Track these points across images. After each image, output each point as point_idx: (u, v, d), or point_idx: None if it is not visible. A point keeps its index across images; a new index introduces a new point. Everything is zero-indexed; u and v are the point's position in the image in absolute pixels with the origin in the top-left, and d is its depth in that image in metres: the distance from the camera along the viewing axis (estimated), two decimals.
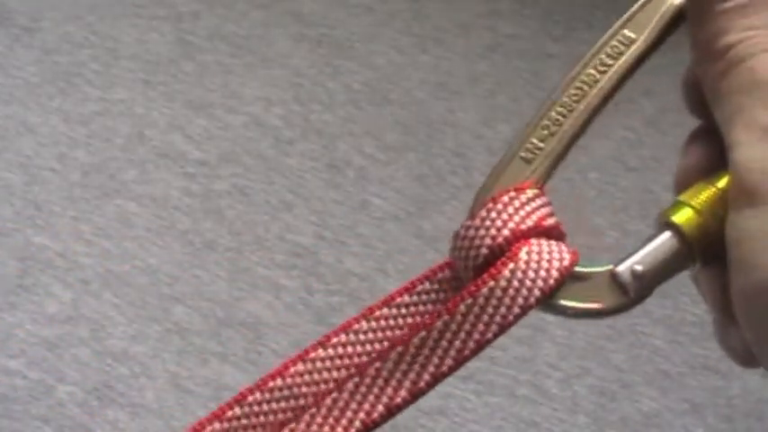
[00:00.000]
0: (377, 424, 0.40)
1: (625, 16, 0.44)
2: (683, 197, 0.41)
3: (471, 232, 0.41)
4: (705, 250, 0.41)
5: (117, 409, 1.34)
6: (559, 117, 0.44)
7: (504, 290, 0.40)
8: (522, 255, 0.40)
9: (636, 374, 1.41)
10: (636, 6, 0.44)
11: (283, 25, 1.82)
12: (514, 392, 1.39)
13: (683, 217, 0.41)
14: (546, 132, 0.44)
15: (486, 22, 1.89)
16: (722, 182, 0.41)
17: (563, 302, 0.41)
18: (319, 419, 0.41)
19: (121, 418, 1.34)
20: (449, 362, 0.40)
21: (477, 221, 0.41)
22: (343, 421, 0.40)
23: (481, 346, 0.40)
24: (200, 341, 1.41)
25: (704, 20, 0.41)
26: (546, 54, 1.84)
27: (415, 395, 0.40)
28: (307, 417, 0.41)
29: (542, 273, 0.40)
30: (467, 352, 0.40)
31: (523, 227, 0.41)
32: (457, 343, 0.40)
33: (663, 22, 0.44)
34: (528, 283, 0.40)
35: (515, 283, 0.40)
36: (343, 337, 0.42)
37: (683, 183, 0.42)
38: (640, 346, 1.42)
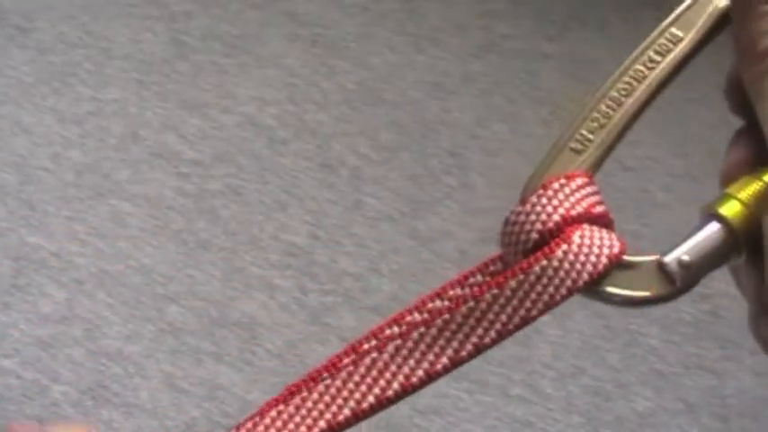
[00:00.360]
0: (415, 388, 0.40)
1: (674, 14, 0.45)
2: (729, 190, 0.42)
3: (522, 218, 0.42)
4: (750, 242, 0.42)
5: (111, 408, 1.34)
6: (609, 110, 0.45)
7: (556, 270, 0.40)
8: (576, 238, 0.41)
9: (630, 374, 1.41)
10: (684, 5, 0.46)
11: (277, 25, 1.82)
12: (509, 392, 1.39)
13: (730, 209, 0.42)
14: (596, 125, 0.45)
15: (481, 21, 1.89)
16: None
17: (610, 289, 0.42)
18: (357, 377, 0.41)
19: (116, 418, 1.33)
20: (492, 334, 0.40)
21: (528, 207, 0.42)
22: (382, 382, 0.40)
23: (526, 321, 0.40)
24: (195, 341, 1.40)
25: (747, 21, 0.42)
26: (541, 54, 1.84)
27: (456, 363, 0.40)
28: (344, 374, 0.41)
29: (592, 257, 0.41)
30: (511, 326, 0.40)
31: (574, 213, 0.42)
32: (503, 316, 0.40)
33: (710, 23, 0.45)
34: (578, 265, 0.41)
35: (566, 265, 0.40)
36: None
37: (729, 179, 0.43)
38: (635, 345, 1.41)
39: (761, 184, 0.42)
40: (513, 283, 0.40)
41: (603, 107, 0.45)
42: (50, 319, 1.41)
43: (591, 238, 0.41)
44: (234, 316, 1.43)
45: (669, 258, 0.42)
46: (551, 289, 0.40)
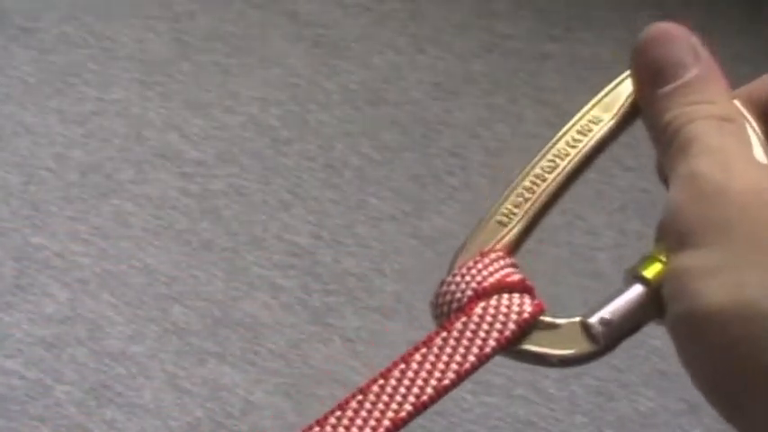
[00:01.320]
0: None
1: (596, 98, 0.49)
2: (652, 252, 0.43)
3: (440, 297, 0.45)
4: None
5: (114, 409, 1.34)
6: (533, 186, 0.48)
7: (457, 340, 0.43)
8: (477, 310, 0.44)
9: (633, 374, 1.41)
10: (606, 90, 0.49)
11: (280, 25, 1.82)
12: (511, 392, 1.39)
13: (651, 271, 0.43)
14: (521, 199, 0.47)
15: (482, 22, 1.89)
16: None
17: (529, 347, 0.44)
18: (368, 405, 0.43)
19: (119, 418, 1.34)
20: (407, 407, 0.42)
21: (444, 287, 0.45)
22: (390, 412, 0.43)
23: (438, 391, 0.43)
24: (198, 341, 1.41)
25: (650, 103, 0.46)
26: (543, 54, 1.84)
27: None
28: (354, 404, 0.43)
29: (498, 325, 0.44)
30: (424, 398, 0.43)
31: (486, 284, 0.44)
32: (414, 389, 0.43)
33: (626, 107, 0.48)
34: (482, 334, 0.43)
35: (468, 334, 0.43)
36: None
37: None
38: (638, 345, 1.42)
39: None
40: (417, 357, 0.43)
41: (528, 183, 0.48)
42: (53, 320, 1.41)
43: (497, 307, 0.44)
44: (237, 316, 1.43)
45: (593, 319, 0.44)
46: (457, 358, 0.43)
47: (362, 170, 1.63)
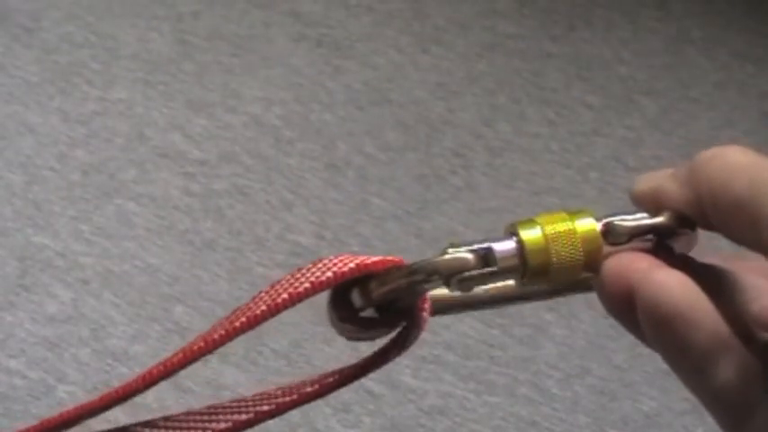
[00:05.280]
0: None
1: None
2: (541, 218, 0.42)
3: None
4: (535, 274, 0.42)
5: (117, 409, 1.34)
6: None
7: (287, 281, 0.48)
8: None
9: (636, 374, 1.41)
10: None
11: (283, 25, 1.82)
12: (514, 392, 1.39)
13: (530, 235, 0.42)
14: None
15: (485, 21, 1.89)
16: (582, 223, 0.42)
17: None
18: None
19: (121, 419, 1.33)
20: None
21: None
22: None
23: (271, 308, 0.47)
24: None
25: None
26: (546, 53, 1.84)
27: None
28: None
29: (318, 272, 0.47)
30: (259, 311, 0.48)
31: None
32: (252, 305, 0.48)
33: None
34: (303, 278, 0.47)
35: (296, 276, 0.48)
36: None
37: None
38: (641, 345, 1.41)
39: (570, 226, 0.42)
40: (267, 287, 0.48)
41: None
42: (56, 319, 1.41)
43: (331, 260, 0.47)
44: None
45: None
46: (275, 294, 0.47)
47: (365, 170, 1.63)
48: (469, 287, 0.43)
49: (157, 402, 1.34)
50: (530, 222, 0.42)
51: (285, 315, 1.48)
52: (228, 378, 1.37)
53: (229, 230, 1.53)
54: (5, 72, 1.70)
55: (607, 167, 1.64)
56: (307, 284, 0.46)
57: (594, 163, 1.64)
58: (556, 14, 1.90)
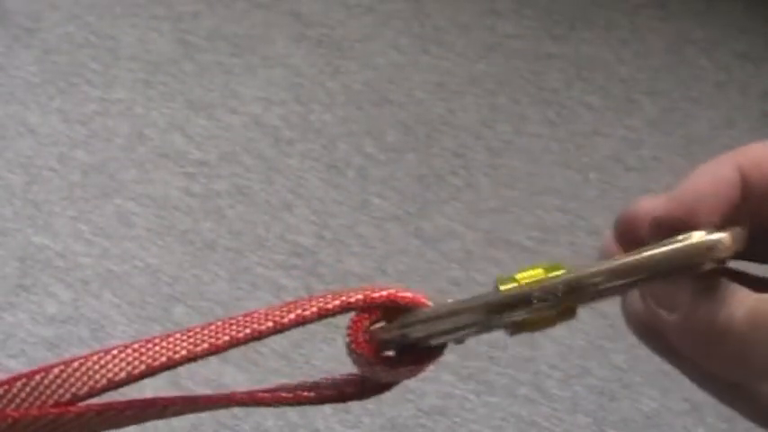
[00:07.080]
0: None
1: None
2: (522, 275, 0.42)
3: None
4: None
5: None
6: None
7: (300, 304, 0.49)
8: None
9: (636, 374, 1.41)
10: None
11: (283, 25, 1.82)
12: (514, 392, 1.39)
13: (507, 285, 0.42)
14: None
15: (485, 21, 1.89)
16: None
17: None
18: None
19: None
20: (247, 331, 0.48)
21: None
22: None
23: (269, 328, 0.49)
24: None
25: None
26: (546, 54, 1.84)
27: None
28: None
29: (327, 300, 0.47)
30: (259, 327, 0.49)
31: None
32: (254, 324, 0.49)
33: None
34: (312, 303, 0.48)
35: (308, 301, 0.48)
36: None
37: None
38: (640, 345, 1.41)
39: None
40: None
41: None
42: (56, 320, 1.41)
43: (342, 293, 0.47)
44: None
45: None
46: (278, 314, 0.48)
47: (365, 170, 1.63)
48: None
49: None
50: (510, 279, 0.43)
51: None
52: (228, 378, 1.37)
53: (229, 231, 1.53)
54: (5, 72, 1.70)
55: (607, 167, 1.64)
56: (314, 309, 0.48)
57: (594, 163, 1.64)
58: (556, 14, 1.90)
